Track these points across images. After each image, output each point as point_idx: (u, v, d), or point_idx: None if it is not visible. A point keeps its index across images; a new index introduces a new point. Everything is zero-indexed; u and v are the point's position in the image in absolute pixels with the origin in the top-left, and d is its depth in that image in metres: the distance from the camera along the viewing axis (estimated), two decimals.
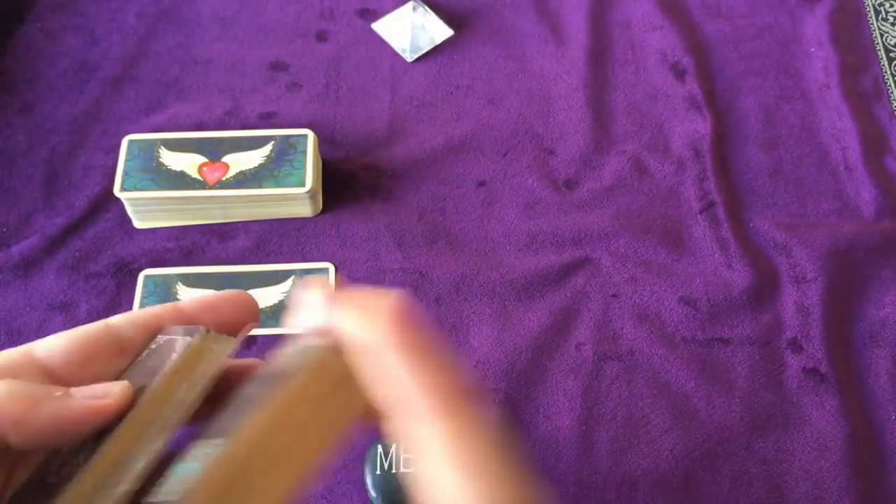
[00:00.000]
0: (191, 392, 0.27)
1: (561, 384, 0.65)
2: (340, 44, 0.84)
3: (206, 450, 0.24)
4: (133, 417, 0.26)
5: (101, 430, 0.26)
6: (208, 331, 0.28)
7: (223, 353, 0.28)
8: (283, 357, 0.28)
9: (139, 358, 0.28)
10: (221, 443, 0.24)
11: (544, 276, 0.69)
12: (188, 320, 0.29)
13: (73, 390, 0.26)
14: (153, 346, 0.28)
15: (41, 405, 0.25)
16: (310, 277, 0.30)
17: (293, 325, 0.29)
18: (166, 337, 0.28)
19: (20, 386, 0.25)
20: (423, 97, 0.80)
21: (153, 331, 0.29)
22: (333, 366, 0.27)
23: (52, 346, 0.27)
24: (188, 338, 0.28)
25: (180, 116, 0.77)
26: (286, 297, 0.27)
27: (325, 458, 0.26)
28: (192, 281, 0.68)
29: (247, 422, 0.25)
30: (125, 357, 0.28)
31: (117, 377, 0.28)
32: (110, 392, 0.26)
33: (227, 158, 0.71)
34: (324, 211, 0.73)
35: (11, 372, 0.26)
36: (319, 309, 0.28)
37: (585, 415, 0.63)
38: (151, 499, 0.23)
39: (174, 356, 0.27)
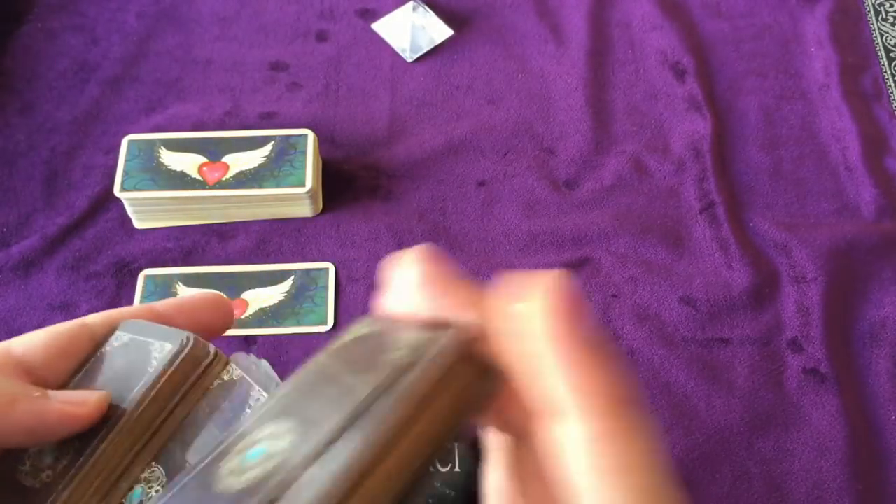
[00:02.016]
0: (184, 406, 0.26)
1: None
2: (340, 44, 0.84)
3: (287, 438, 0.20)
4: (125, 428, 0.25)
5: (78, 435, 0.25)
6: (189, 338, 0.27)
7: (204, 362, 0.27)
8: (373, 338, 0.24)
9: (100, 355, 0.28)
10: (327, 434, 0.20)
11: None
12: (163, 321, 0.29)
13: (52, 393, 0.26)
14: (116, 344, 0.28)
15: (19, 405, 0.25)
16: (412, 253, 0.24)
17: (394, 306, 0.25)
18: (129, 336, 0.28)
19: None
20: (423, 97, 0.80)
21: None
22: (468, 355, 0.22)
23: (30, 343, 0.27)
24: (166, 344, 0.27)
25: (180, 116, 0.77)
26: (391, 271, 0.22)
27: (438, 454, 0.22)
28: (192, 281, 0.68)
29: (384, 413, 0.20)
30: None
31: (79, 369, 0.28)
32: (87, 401, 0.26)
33: (227, 158, 0.71)
34: (324, 211, 0.73)
35: None
36: (419, 295, 0.24)
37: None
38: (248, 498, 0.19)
39: (155, 363, 0.26)
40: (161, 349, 0.27)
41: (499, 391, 0.23)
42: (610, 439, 0.22)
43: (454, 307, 0.23)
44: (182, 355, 0.26)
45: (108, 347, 0.28)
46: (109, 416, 0.26)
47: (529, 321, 0.22)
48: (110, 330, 0.28)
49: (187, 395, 0.26)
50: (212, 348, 0.27)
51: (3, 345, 0.27)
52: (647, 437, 0.23)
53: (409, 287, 0.24)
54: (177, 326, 0.28)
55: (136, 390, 0.26)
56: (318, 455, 0.19)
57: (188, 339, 0.27)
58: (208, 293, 0.31)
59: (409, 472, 0.20)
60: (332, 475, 0.18)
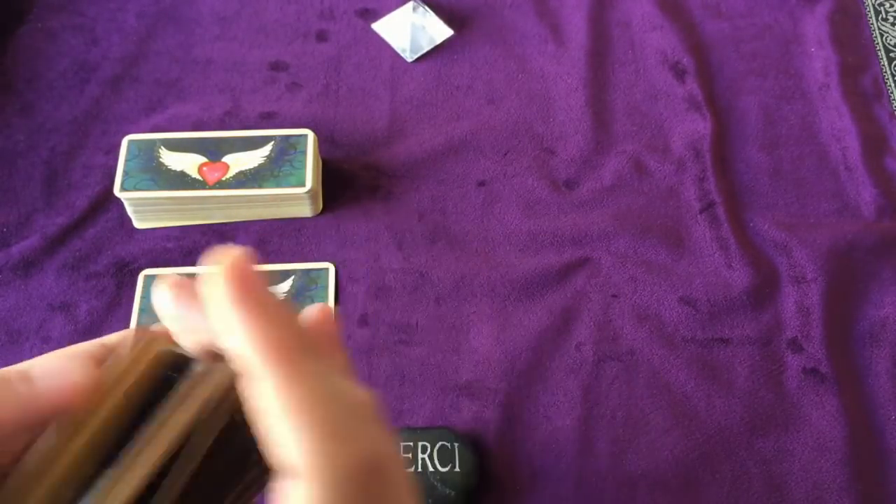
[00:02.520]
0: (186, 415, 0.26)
1: (561, 384, 0.65)
2: (340, 44, 0.84)
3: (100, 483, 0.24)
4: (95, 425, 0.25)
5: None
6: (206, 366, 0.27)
7: (223, 381, 0.27)
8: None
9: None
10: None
11: (544, 276, 0.69)
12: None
13: (35, 377, 0.26)
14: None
15: (4, 398, 0.25)
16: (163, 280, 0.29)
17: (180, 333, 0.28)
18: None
19: None
20: (423, 97, 0.80)
21: None
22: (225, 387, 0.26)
23: (49, 365, 0.27)
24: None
25: (180, 116, 0.78)
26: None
27: None
28: None
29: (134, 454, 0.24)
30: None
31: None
32: (75, 380, 0.26)
33: (227, 158, 0.71)
34: (324, 211, 0.73)
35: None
36: (175, 313, 0.27)
37: (585, 415, 0.63)
38: None
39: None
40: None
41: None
42: (282, 382, 0.24)
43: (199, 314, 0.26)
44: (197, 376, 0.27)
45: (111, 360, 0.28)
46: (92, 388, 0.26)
47: (213, 290, 0.25)
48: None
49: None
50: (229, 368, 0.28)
51: (23, 366, 0.27)
52: (329, 378, 0.25)
53: (165, 312, 0.28)
54: None
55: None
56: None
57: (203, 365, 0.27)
58: None
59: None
60: None
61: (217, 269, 0.25)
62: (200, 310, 0.26)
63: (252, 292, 0.25)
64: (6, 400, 0.25)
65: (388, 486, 0.24)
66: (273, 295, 0.26)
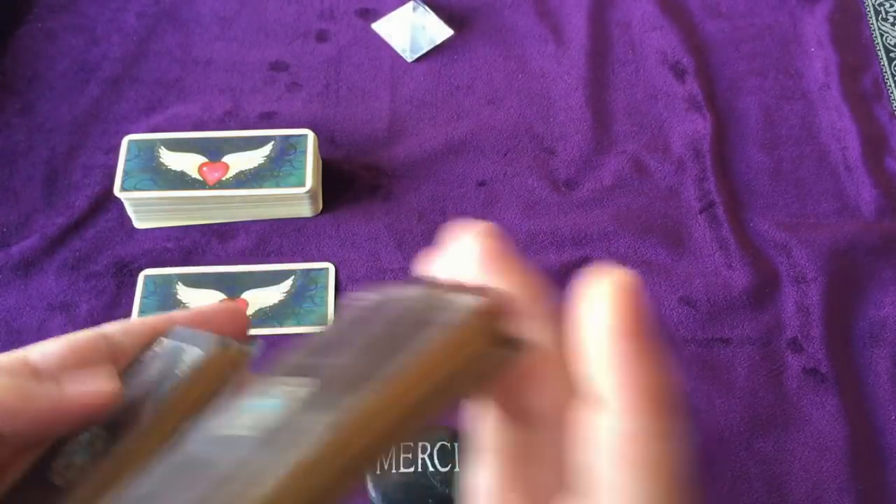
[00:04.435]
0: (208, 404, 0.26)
1: None
2: (340, 44, 0.84)
3: (301, 390, 0.20)
4: (146, 426, 0.25)
5: (106, 431, 0.25)
6: (223, 341, 0.27)
7: (240, 364, 0.27)
8: (418, 301, 0.23)
9: (140, 360, 0.28)
10: (344, 387, 0.20)
11: (544, 276, 0.69)
12: None
13: (63, 382, 0.26)
14: (156, 350, 0.28)
15: (33, 395, 0.25)
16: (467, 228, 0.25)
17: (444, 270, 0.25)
18: (172, 342, 0.28)
19: (12, 380, 0.25)
20: (423, 97, 0.80)
21: (147, 340, 0.29)
22: (488, 322, 0.22)
23: (47, 352, 0.27)
24: (196, 349, 0.27)
25: (180, 116, 0.77)
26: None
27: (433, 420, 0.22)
28: (192, 281, 0.68)
29: (391, 372, 0.20)
30: (118, 366, 0.28)
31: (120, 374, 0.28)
32: (100, 388, 0.26)
33: (227, 158, 0.71)
34: (324, 211, 0.73)
35: (5, 374, 0.26)
36: (477, 270, 0.25)
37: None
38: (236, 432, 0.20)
39: (184, 367, 0.26)
40: (190, 353, 0.27)
41: (513, 365, 0.23)
42: (645, 438, 0.22)
43: (508, 285, 0.24)
44: (209, 360, 0.27)
45: (148, 353, 0.28)
46: (136, 419, 0.26)
47: (597, 310, 0.23)
48: (128, 339, 0.29)
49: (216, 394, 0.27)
50: (248, 348, 0.27)
51: (20, 352, 0.27)
52: (680, 443, 0.24)
53: (468, 259, 0.25)
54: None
55: (159, 394, 0.26)
56: (327, 407, 0.19)
57: (217, 342, 0.27)
58: (225, 303, 0.31)
59: (409, 421, 0.20)
60: (330, 425, 0.19)
61: (611, 286, 0.23)
62: (509, 281, 0.24)
63: (640, 332, 0.23)
64: (35, 397, 0.25)
65: (678, 427, 0.24)
66: (652, 334, 0.23)
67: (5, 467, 0.26)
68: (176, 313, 0.30)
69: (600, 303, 0.23)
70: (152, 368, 0.27)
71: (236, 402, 0.21)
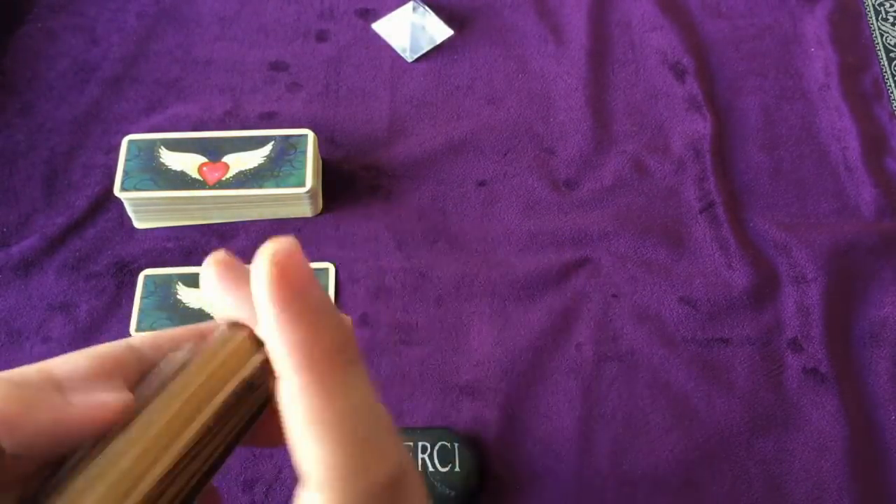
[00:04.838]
0: (208, 404, 0.25)
1: (561, 384, 0.65)
2: (340, 44, 0.84)
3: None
4: (136, 430, 0.24)
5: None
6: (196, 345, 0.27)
7: (245, 361, 0.26)
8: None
9: (158, 368, 0.27)
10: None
11: (544, 276, 0.69)
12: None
13: (71, 396, 0.25)
14: (162, 365, 0.27)
15: (37, 408, 0.24)
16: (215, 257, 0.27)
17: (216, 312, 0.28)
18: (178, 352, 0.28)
19: (17, 388, 0.24)
20: (423, 97, 0.80)
21: None
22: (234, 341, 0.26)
23: (73, 366, 0.26)
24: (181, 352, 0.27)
25: (180, 116, 0.78)
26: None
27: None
28: (193, 281, 0.68)
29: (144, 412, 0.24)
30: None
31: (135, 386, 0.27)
32: (107, 403, 0.25)
33: (227, 158, 0.71)
34: (324, 211, 0.73)
35: (15, 386, 0.24)
36: (220, 297, 0.27)
37: (585, 415, 0.63)
38: None
39: (179, 365, 0.26)
40: (187, 349, 0.27)
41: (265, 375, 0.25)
42: (317, 391, 0.23)
43: (243, 298, 0.26)
44: (206, 350, 0.26)
45: (162, 363, 0.27)
46: (128, 414, 0.25)
47: (255, 283, 0.24)
48: (156, 353, 0.28)
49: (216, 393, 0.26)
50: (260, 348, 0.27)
51: (44, 365, 0.25)
52: (362, 390, 0.24)
53: (209, 290, 0.27)
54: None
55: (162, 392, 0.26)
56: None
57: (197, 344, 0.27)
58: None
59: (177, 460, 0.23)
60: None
61: (265, 257, 0.24)
62: (245, 294, 0.25)
63: (299, 288, 0.24)
64: (38, 407, 0.24)
65: (407, 499, 0.24)
66: (321, 293, 0.24)
67: (9, 489, 0.24)
68: (205, 325, 0.29)
69: (255, 275, 0.24)
70: (155, 379, 0.27)
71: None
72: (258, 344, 0.26)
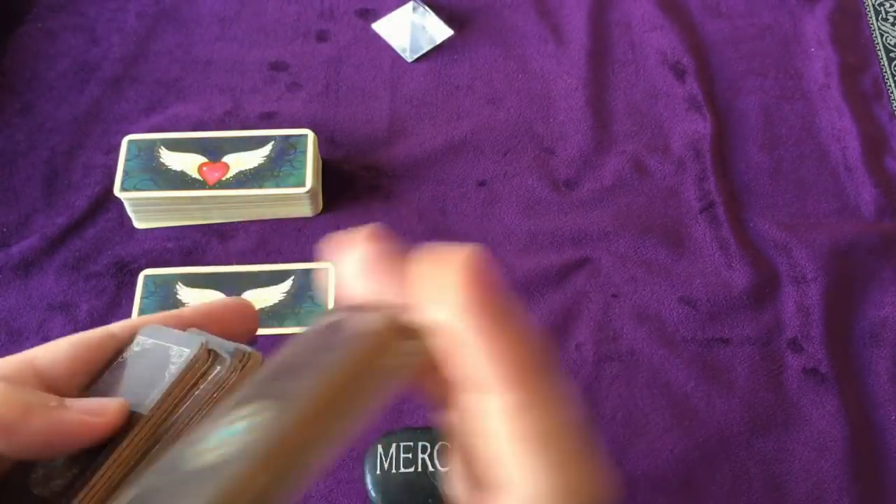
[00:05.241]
0: (199, 410, 0.26)
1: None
2: (340, 44, 0.84)
3: (249, 415, 0.22)
4: (139, 435, 0.25)
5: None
6: (205, 343, 0.27)
7: (228, 366, 0.26)
8: (326, 326, 0.25)
9: (121, 361, 0.27)
10: (271, 407, 0.22)
11: (544, 276, 0.69)
12: (190, 327, 0.28)
13: (69, 402, 0.25)
14: (136, 349, 0.27)
15: (35, 414, 0.24)
16: (344, 237, 0.26)
17: (339, 295, 0.26)
18: (151, 341, 0.27)
19: (14, 392, 0.24)
20: (423, 97, 0.80)
21: None
22: (389, 334, 0.24)
23: (54, 354, 0.26)
24: (184, 349, 0.26)
25: (180, 116, 0.78)
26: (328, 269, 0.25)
27: (360, 426, 0.24)
28: (192, 281, 0.68)
29: (304, 389, 0.22)
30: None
31: (97, 378, 0.27)
32: (106, 410, 0.25)
33: (227, 158, 0.71)
34: (324, 211, 0.73)
35: (10, 380, 0.25)
36: (362, 278, 0.25)
37: (585, 415, 0.63)
38: (200, 458, 0.21)
39: (173, 369, 0.26)
40: (180, 354, 0.26)
41: (420, 363, 0.24)
42: (528, 408, 0.22)
43: (393, 288, 0.24)
44: (198, 360, 0.26)
45: (127, 353, 0.27)
46: (125, 422, 0.25)
47: (444, 295, 0.23)
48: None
49: (206, 399, 0.26)
50: (232, 348, 0.27)
51: (27, 355, 0.26)
52: (564, 405, 0.24)
53: (353, 273, 0.26)
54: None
55: (152, 397, 0.25)
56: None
57: (205, 343, 0.26)
58: (234, 299, 0.30)
59: (327, 432, 0.22)
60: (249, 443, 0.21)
61: (455, 264, 0.23)
62: (393, 283, 0.24)
63: (495, 300, 0.23)
64: (36, 413, 0.24)
65: (557, 391, 0.24)
66: (511, 303, 0.23)
67: None
68: (185, 310, 0.29)
69: (446, 284, 0.23)
70: (136, 370, 0.27)
71: (205, 432, 0.22)
72: (406, 332, 0.24)
